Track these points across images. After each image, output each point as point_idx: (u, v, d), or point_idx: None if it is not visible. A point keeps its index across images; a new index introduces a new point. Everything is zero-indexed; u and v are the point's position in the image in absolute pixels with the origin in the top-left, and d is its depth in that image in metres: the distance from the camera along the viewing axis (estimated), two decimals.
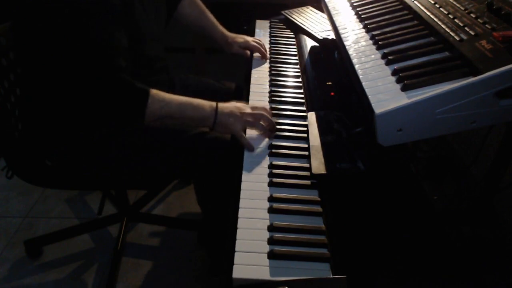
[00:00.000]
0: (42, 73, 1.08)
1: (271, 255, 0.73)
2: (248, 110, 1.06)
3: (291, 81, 1.31)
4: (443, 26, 0.83)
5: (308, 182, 0.90)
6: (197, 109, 1.06)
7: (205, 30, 1.49)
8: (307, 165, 0.94)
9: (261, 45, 1.45)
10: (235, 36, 1.49)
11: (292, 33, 1.62)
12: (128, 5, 1.05)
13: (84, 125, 1.13)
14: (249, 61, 1.42)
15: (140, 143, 1.17)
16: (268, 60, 1.42)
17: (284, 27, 1.68)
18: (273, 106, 1.17)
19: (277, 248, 0.74)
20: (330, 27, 1.49)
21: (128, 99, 1.02)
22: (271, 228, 0.79)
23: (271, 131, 1.05)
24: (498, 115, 0.68)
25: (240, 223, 0.80)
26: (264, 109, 1.07)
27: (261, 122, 1.05)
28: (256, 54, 1.44)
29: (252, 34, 1.62)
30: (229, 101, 1.09)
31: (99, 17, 0.97)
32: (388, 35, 0.91)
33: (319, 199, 0.86)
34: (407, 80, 0.73)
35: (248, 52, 1.45)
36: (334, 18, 1.11)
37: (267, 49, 1.48)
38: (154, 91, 1.03)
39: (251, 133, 1.06)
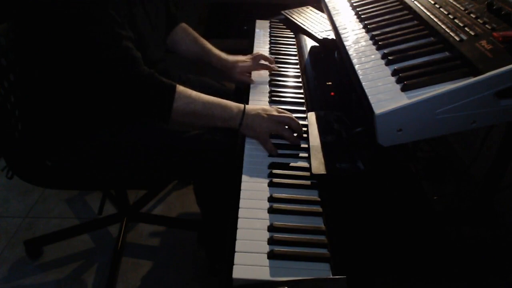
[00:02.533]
0: (42, 74, 1.08)
1: (271, 255, 0.73)
2: (275, 113, 1.04)
3: (291, 81, 1.30)
4: (443, 26, 0.83)
5: (308, 182, 0.90)
6: (224, 109, 1.05)
7: (201, 57, 1.40)
8: (307, 165, 0.94)
9: (264, 57, 1.33)
10: (235, 59, 1.34)
11: (292, 33, 1.62)
12: (131, 10, 1.05)
13: (89, 125, 1.13)
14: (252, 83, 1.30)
15: (140, 144, 1.17)
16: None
17: (284, 27, 1.68)
18: (273, 106, 1.17)
19: (277, 248, 0.74)
20: (330, 27, 1.49)
21: (156, 93, 1.00)
22: (271, 228, 0.79)
23: (298, 137, 1.03)
24: (498, 115, 0.68)
25: (240, 223, 0.80)
26: (290, 114, 1.05)
27: (287, 127, 1.02)
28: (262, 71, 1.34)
29: (252, 34, 1.62)
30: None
31: (107, 12, 0.96)
32: (388, 35, 0.91)
33: (319, 199, 0.86)
34: (407, 80, 0.73)
35: (253, 79, 1.30)
36: (334, 18, 1.11)
37: (267, 49, 1.47)
38: (181, 87, 1.03)
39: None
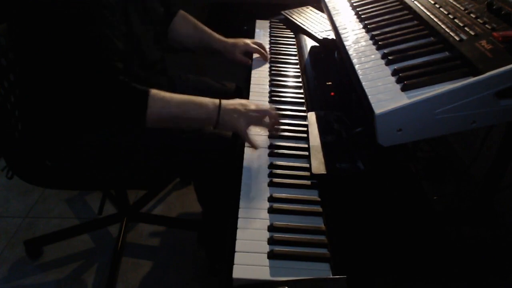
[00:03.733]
0: (41, 74, 1.08)
1: (271, 255, 0.73)
2: (253, 107, 1.04)
3: (291, 81, 1.31)
4: (443, 26, 0.83)
5: (308, 182, 0.90)
6: (199, 107, 1.04)
7: (202, 42, 1.44)
8: (307, 165, 0.94)
9: (262, 47, 1.42)
10: (235, 41, 1.43)
11: (292, 33, 1.62)
12: (126, 9, 1.05)
13: (83, 126, 1.13)
14: (249, 63, 1.41)
15: (140, 143, 1.17)
16: (268, 60, 1.42)
17: (284, 27, 1.68)
18: (273, 106, 1.17)
19: (277, 248, 0.74)
20: (330, 27, 1.49)
21: (128, 101, 1.01)
22: (271, 228, 0.79)
23: (276, 128, 1.04)
24: (498, 115, 0.68)
25: (240, 223, 0.80)
26: (269, 105, 1.06)
27: (266, 120, 1.03)
28: (256, 55, 1.43)
29: (252, 34, 1.62)
30: None
31: (97, 20, 0.97)
32: (388, 35, 0.91)
33: (319, 199, 0.86)
34: (407, 80, 0.73)
35: (249, 61, 1.41)
36: (334, 18, 1.11)
37: (267, 49, 1.48)
38: (154, 91, 1.02)
39: (252, 132, 1.06)
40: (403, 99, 0.70)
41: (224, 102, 1.04)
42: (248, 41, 1.44)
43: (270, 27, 1.67)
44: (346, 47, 0.94)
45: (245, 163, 0.96)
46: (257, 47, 1.41)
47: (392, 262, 0.76)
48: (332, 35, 1.42)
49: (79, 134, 1.14)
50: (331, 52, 1.34)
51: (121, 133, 1.16)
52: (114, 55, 1.00)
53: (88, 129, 1.14)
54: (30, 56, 1.08)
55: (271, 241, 0.76)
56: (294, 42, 1.56)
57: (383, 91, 0.74)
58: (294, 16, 1.67)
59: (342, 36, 1.00)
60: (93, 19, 0.97)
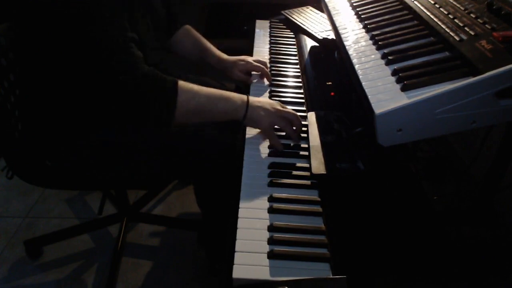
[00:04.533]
0: (41, 74, 1.08)
1: (271, 255, 0.73)
2: (280, 108, 1.03)
3: (291, 81, 1.31)
4: (443, 26, 0.83)
5: (308, 182, 0.90)
6: (227, 101, 1.03)
7: (201, 57, 1.40)
8: (307, 165, 0.94)
9: (264, 64, 1.33)
10: (235, 60, 1.35)
11: (292, 33, 1.62)
12: (132, 13, 1.05)
13: (88, 125, 1.13)
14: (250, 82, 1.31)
15: (140, 144, 1.16)
16: (268, 61, 1.42)
17: (284, 27, 1.68)
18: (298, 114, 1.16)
19: (277, 248, 0.74)
20: (330, 27, 1.49)
21: (158, 90, 0.97)
22: (271, 228, 0.79)
23: (299, 134, 1.03)
24: (498, 115, 0.68)
25: (240, 223, 0.80)
26: (293, 111, 1.05)
27: (290, 123, 1.02)
28: (255, 73, 1.33)
29: (252, 34, 1.62)
30: None
31: (97, 19, 0.95)
32: (388, 35, 0.91)
33: (319, 199, 0.86)
34: (407, 80, 0.73)
35: (251, 79, 1.32)
36: (334, 18, 1.11)
37: (267, 50, 1.47)
38: (182, 82, 1.00)
39: (252, 132, 1.06)
40: (403, 99, 0.70)
41: (252, 98, 1.04)
42: (250, 59, 1.35)
43: (270, 27, 1.67)
44: (346, 47, 0.94)
45: (245, 163, 0.96)
46: (258, 65, 1.32)
47: (392, 262, 0.76)
48: (332, 35, 1.42)
49: (80, 134, 1.14)
50: (331, 52, 1.34)
51: (122, 133, 1.15)
52: (132, 44, 0.97)
53: (94, 127, 1.13)
54: (30, 56, 1.08)
55: (271, 241, 0.76)
56: (294, 42, 1.56)
57: (383, 91, 0.74)
58: (294, 16, 1.67)
59: (342, 36, 1.00)
60: (94, 17, 0.95)
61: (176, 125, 1.01)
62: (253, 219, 0.81)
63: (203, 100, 1.02)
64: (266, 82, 1.30)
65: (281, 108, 1.04)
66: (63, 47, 1.00)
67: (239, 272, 0.70)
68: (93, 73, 1.00)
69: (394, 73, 0.78)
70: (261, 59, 1.36)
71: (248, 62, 1.33)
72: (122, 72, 0.95)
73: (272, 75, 1.32)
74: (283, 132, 1.04)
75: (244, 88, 1.32)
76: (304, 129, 1.05)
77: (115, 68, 0.96)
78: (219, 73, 1.41)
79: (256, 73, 1.33)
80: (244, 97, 1.04)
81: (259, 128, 1.03)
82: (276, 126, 1.02)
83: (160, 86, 0.98)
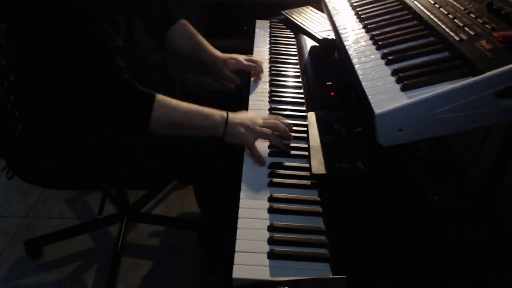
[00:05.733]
0: (41, 74, 1.08)
1: (271, 255, 0.73)
2: (261, 121, 1.02)
3: (291, 81, 1.30)
4: (443, 26, 0.83)
5: (308, 182, 0.90)
6: (206, 118, 1.03)
7: (194, 52, 1.39)
8: (307, 165, 0.94)
9: (256, 63, 1.32)
10: (226, 57, 1.35)
11: (292, 33, 1.62)
12: (128, 15, 1.05)
13: (84, 126, 1.13)
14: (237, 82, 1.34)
15: (140, 143, 1.16)
16: (268, 61, 1.42)
17: (284, 27, 1.68)
18: (273, 106, 1.17)
19: (277, 248, 0.74)
20: (330, 27, 1.49)
21: (133, 103, 1.00)
22: (271, 228, 0.79)
23: (286, 141, 1.01)
24: (498, 115, 0.68)
25: (240, 223, 0.80)
26: (277, 117, 1.04)
27: (276, 132, 1.01)
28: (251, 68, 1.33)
29: (252, 34, 1.62)
30: (229, 101, 1.09)
31: (97, 19, 0.96)
32: (388, 35, 0.91)
33: (319, 199, 0.86)
34: (407, 80, 0.73)
35: (238, 80, 1.33)
36: (334, 18, 1.11)
37: (267, 50, 1.47)
38: (160, 96, 1.01)
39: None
40: (403, 99, 0.70)
41: (231, 115, 1.03)
42: (241, 58, 1.34)
43: (270, 27, 1.67)
44: (346, 47, 0.94)
45: (245, 163, 0.96)
46: (250, 64, 1.32)
47: (392, 262, 0.76)
48: (332, 35, 1.42)
49: (80, 134, 1.14)
50: (331, 52, 1.34)
51: (122, 134, 1.16)
52: (116, 53, 0.99)
53: (89, 129, 1.14)
54: (30, 56, 1.08)
55: (271, 241, 0.76)
56: (294, 42, 1.56)
57: (383, 91, 0.74)
58: (294, 16, 1.67)
59: (342, 36, 1.00)
60: (93, 19, 0.96)
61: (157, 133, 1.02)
62: (253, 219, 0.81)
63: (180, 115, 1.02)
64: (261, 79, 1.30)
65: (262, 121, 1.02)
66: (59, 47, 1.00)
67: (239, 272, 0.70)
68: (80, 76, 1.01)
69: (394, 73, 0.78)
70: (252, 58, 1.35)
71: (238, 61, 1.33)
72: (102, 80, 0.98)
73: (272, 75, 1.32)
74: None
75: (243, 88, 1.32)
76: (303, 129, 1.05)
77: (97, 75, 0.98)
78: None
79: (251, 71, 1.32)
80: (224, 113, 1.03)
81: (240, 144, 1.01)
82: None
83: (135, 98, 1.00)
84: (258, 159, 0.97)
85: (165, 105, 1.02)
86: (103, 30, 0.97)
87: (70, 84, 1.05)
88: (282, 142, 1.01)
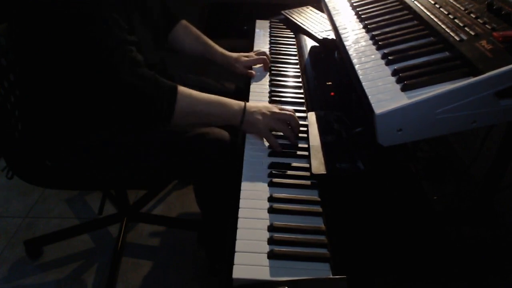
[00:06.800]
0: (41, 74, 1.08)
1: (271, 255, 0.73)
2: (277, 110, 1.05)
3: (291, 81, 1.31)
4: (443, 26, 0.83)
5: (308, 182, 0.90)
6: (224, 107, 1.05)
7: (204, 54, 1.43)
8: (307, 165, 0.94)
9: (266, 54, 1.40)
10: (238, 55, 1.41)
11: (292, 33, 1.62)
12: (128, 15, 1.05)
13: (87, 126, 1.13)
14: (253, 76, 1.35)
15: (140, 144, 1.17)
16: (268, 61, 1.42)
17: (284, 27, 1.68)
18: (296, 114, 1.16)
19: (277, 248, 0.74)
20: (330, 27, 1.49)
21: (157, 95, 1.00)
22: (271, 228, 0.79)
23: (296, 135, 1.03)
24: (498, 115, 0.68)
25: (240, 223, 0.80)
26: (291, 111, 1.06)
27: (289, 124, 1.03)
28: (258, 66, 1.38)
29: (252, 34, 1.62)
30: None
31: (97, 20, 0.96)
32: (388, 35, 0.91)
33: (319, 199, 0.86)
34: (407, 80, 0.73)
35: (253, 72, 1.35)
36: (334, 18, 1.11)
37: (267, 49, 1.47)
38: (182, 88, 1.03)
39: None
40: (403, 99, 0.70)
41: (249, 104, 1.06)
42: (252, 53, 1.41)
43: (270, 27, 1.67)
44: (346, 47, 0.94)
45: (245, 163, 0.96)
46: (260, 57, 1.37)
47: (392, 262, 0.76)
48: (332, 35, 1.42)
49: (80, 134, 1.14)
50: (331, 52, 1.34)
51: (121, 133, 1.15)
52: (132, 46, 0.98)
53: (93, 128, 1.13)
54: (30, 56, 1.08)
55: (271, 241, 0.76)
56: (294, 42, 1.56)
57: (383, 91, 0.74)
58: (294, 16, 1.67)
59: (342, 36, 1.00)
60: (93, 18, 0.96)
61: (175, 128, 1.02)
62: (253, 219, 0.81)
63: (201, 105, 1.04)
64: (262, 79, 1.32)
65: (278, 111, 1.05)
66: (63, 47, 1.00)
67: (239, 272, 0.70)
68: (93, 73, 1.00)
69: (394, 73, 0.78)
70: (260, 50, 1.42)
71: (250, 57, 1.39)
72: (121, 75, 0.97)
73: (272, 75, 1.33)
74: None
75: (243, 88, 1.32)
76: (303, 129, 1.05)
77: (115, 71, 0.97)
78: (219, 73, 1.41)
79: (259, 65, 1.37)
80: (242, 103, 1.06)
81: (256, 132, 1.04)
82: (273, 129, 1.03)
83: (160, 89, 1.00)
84: (275, 145, 0.99)
85: (187, 96, 1.03)
86: (107, 28, 0.96)
87: (74, 84, 1.05)
88: (293, 134, 1.02)
